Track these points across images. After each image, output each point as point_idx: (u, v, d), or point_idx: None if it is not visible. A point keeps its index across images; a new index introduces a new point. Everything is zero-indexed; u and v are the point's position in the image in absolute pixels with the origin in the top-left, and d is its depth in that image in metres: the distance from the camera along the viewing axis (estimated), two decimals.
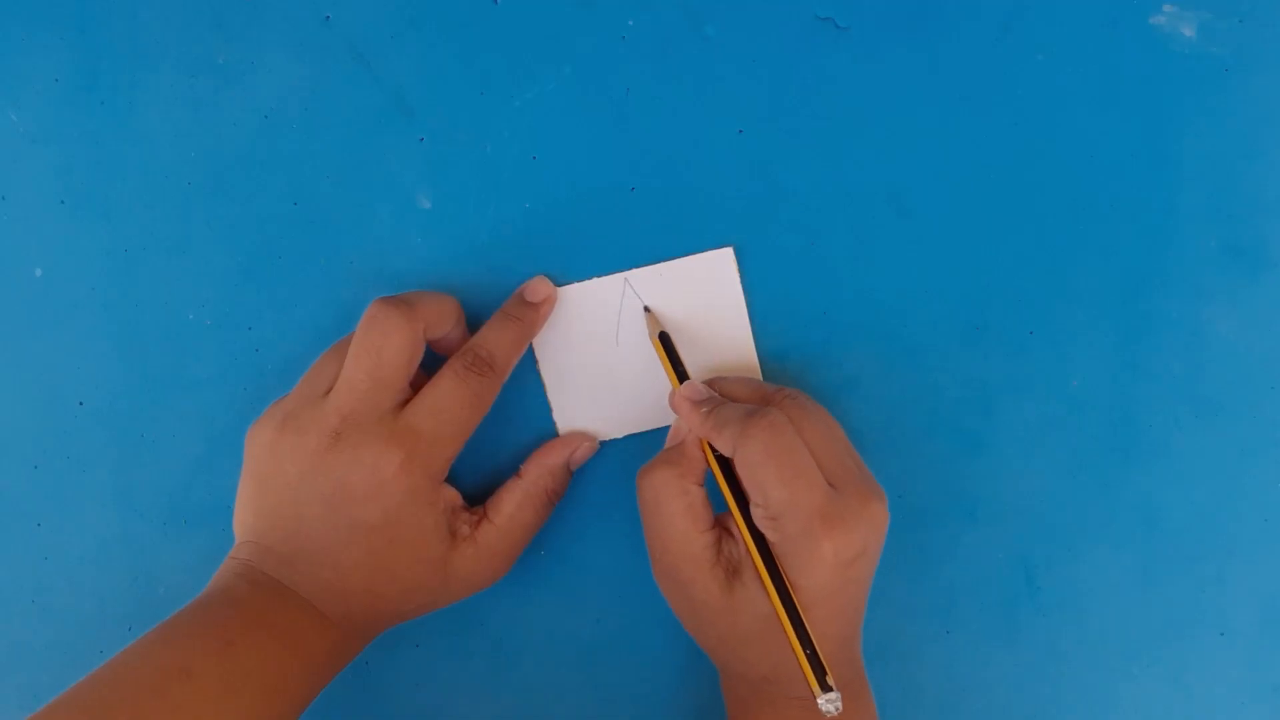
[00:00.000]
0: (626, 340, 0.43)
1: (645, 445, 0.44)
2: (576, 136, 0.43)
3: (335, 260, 0.44)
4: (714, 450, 0.39)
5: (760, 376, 0.43)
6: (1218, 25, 0.42)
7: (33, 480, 0.45)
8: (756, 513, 0.37)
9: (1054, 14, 0.42)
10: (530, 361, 0.43)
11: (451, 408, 0.38)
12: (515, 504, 0.41)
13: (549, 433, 0.44)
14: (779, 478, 0.35)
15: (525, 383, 0.44)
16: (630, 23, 0.43)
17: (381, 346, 0.38)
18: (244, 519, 0.40)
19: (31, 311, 0.45)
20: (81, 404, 0.45)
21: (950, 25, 0.43)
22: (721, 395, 0.40)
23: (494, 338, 0.40)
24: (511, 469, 0.43)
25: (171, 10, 0.44)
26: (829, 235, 0.43)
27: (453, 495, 0.40)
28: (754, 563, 0.37)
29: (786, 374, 0.44)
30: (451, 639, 0.45)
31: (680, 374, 0.41)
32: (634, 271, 0.43)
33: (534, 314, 0.42)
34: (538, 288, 0.42)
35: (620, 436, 0.44)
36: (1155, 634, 0.44)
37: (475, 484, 0.44)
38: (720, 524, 0.39)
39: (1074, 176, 0.43)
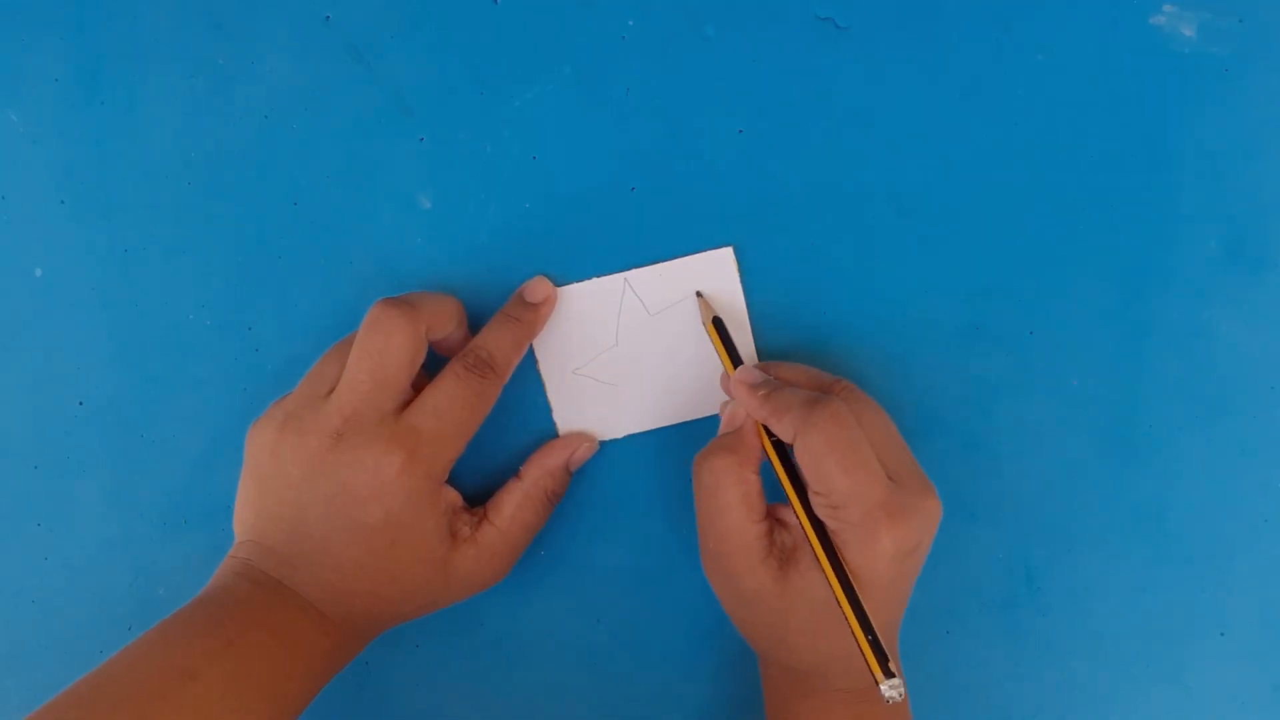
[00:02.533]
0: (626, 340, 0.43)
1: (645, 445, 0.44)
2: (576, 136, 0.43)
3: (335, 260, 0.44)
4: (770, 436, 0.38)
5: None
6: (1218, 25, 0.42)
7: (33, 480, 0.45)
8: (817, 500, 0.36)
9: (1054, 14, 0.42)
10: (530, 361, 0.43)
11: (453, 408, 0.38)
12: (515, 505, 0.41)
13: (549, 433, 0.44)
14: (842, 467, 0.35)
15: (525, 383, 0.44)
16: (630, 23, 0.43)
17: (384, 347, 0.38)
18: (244, 518, 0.40)
19: (31, 311, 0.45)
20: (81, 404, 0.45)
21: (950, 25, 0.43)
22: (777, 380, 0.39)
23: (494, 339, 0.40)
24: (511, 469, 0.43)
25: (171, 10, 0.44)
26: (829, 235, 0.43)
27: (453, 496, 0.40)
28: (813, 550, 0.36)
29: None
30: (451, 639, 0.45)
31: (735, 359, 0.40)
32: (634, 271, 0.43)
33: (534, 315, 0.42)
34: (537, 288, 0.42)
35: (620, 436, 0.44)
36: (1155, 634, 0.44)
37: (476, 485, 0.44)
38: (772, 514, 0.39)
39: (1074, 176, 0.43)
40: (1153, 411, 0.43)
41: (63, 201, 0.44)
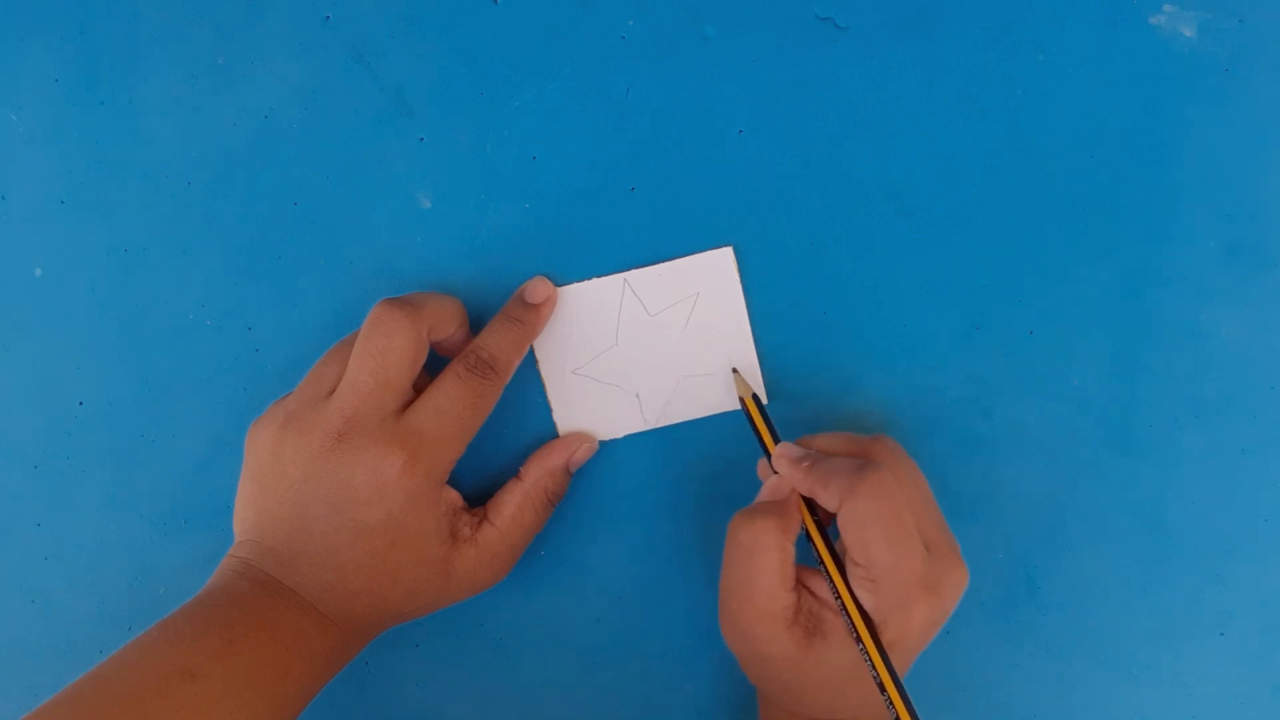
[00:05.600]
0: (626, 340, 0.43)
1: (645, 445, 0.44)
2: (576, 136, 0.43)
3: (335, 260, 0.44)
4: (811, 514, 0.38)
5: (760, 377, 0.43)
6: (1218, 25, 0.42)
7: (33, 480, 0.45)
8: (855, 573, 0.36)
9: (1054, 14, 0.42)
10: (530, 361, 0.43)
11: (454, 409, 0.38)
12: (516, 506, 0.41)
13: (549, 433, 0.44)
14: (887, 540, 0.35)
15: (525, 383, 0.44)
16: (630, 23, 0.43)
17: (386, 348, 0.38)
18: (245, 518, 0.40)
19: (31, 311, 0.45)
20: (81, 404, 0.45)
21: (950, 25, 0.43)
22: (817, 451, 0.39)
23: (495, 340, 0.40)
24: (512, 470, 0.43)
25: (171, 10, 0.44)
26: (829, 235, 0.43)
27: (454, 497, 0.40)
28: (853, 624, 0.36)
29: (786, 374, 0.44)
30: (451, 639, 0.45)
31: (774, 436, 0.41)
32: (633, 272, 0.43)
33: (535, 315, 0.42)
34: (537, 289, 0.42)
35: (620, 436, 0.44)
36: (1155, 634, 0.44)
37: (476, 485, 0.44)
38: (801, 581, 0.38)
39: (1074, 176, 0.43)
40: (1153, 411, 0.43)
41: (63, 201, 0.44)
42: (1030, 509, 0.44)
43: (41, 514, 0.46)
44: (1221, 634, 0.44)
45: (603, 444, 0.44)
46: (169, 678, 0.35)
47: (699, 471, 0.44)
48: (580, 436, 0.43)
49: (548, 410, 0.44)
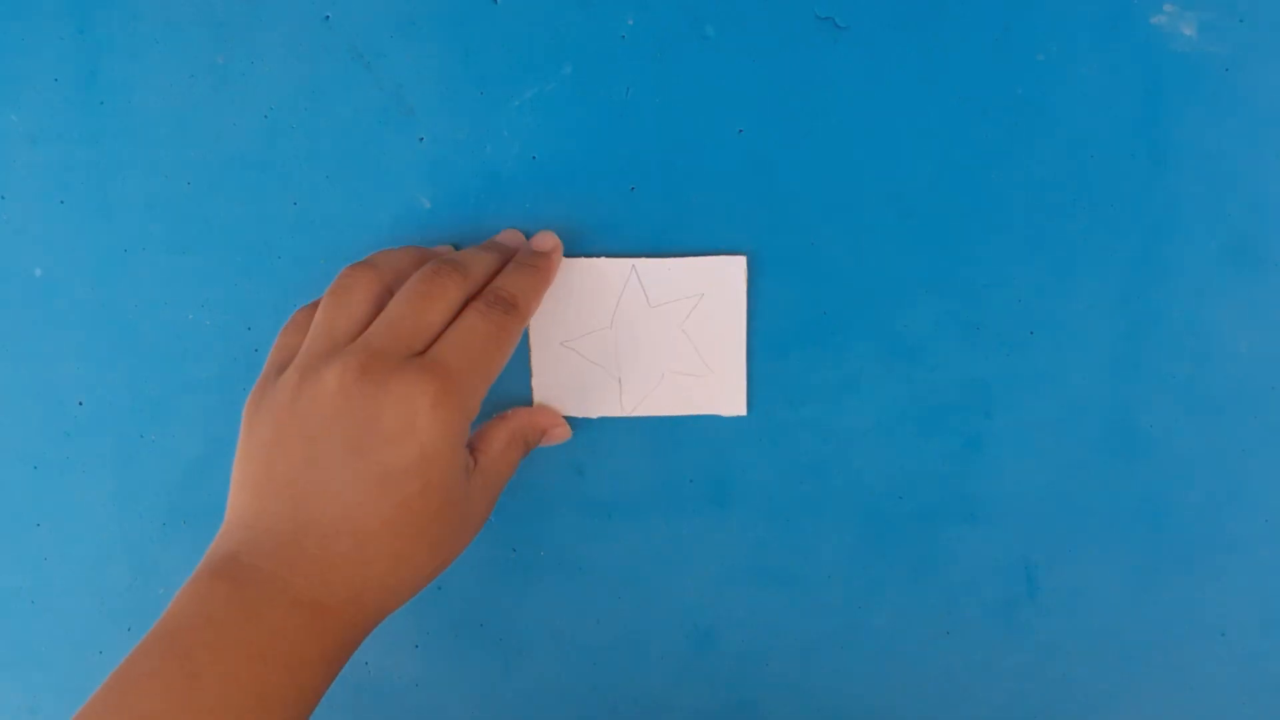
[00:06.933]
0: (621, 325, 0.43)
1: (646, 445, 0.44)
2: (576, 136, 0.43)
3: (335, 260, 0.44)
4: None
5: (744, 380, 0.43)
6: (1218, 25, 0.42)
7: (33, 480, 0.45)
8: None
9: (1054, 14, 0.42)
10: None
11: (477, 342, 0.37)
12: (505, 441, 0.41)
13: (524, 396, 0.44)
14: None
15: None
16: (630, 23, 0.43)
17: (440, 293, 0.37)
18: (240, 501, 0.36)
19: (31, 311, 0.45)
20: (81, 404, 0.45)
21: (950, 25, 0.42)
22: None
23: (512, 280, 0.39)
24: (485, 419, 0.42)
25: (171, 10, 0.44)
26: (829, 235, 0.43)
27: None
28: None
29: (786, 374, 0.44)
30: (451, 639, 0.45)
31: None
32: (643, 260, 0.43)
33: (546, 261, 0.41)
34: (544, 238, 0.42)
35: (594, 417, 0.44)
36: (1155, 634, 0.44)
37: None
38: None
39: (1074, 176, 0.43)
40: (1153, 411, 0.43)
41: (62, 201, 0.44)
42: (1030, 509, 0.44)
43: (41, 514, 0.46)
44: (1222, 634, 0.44)
45: (592, 431, 0.44)
46: None
47: (699, 472, 0.44)
48: (558, 416, 0.43)
49: (528, 375, 0.44)
